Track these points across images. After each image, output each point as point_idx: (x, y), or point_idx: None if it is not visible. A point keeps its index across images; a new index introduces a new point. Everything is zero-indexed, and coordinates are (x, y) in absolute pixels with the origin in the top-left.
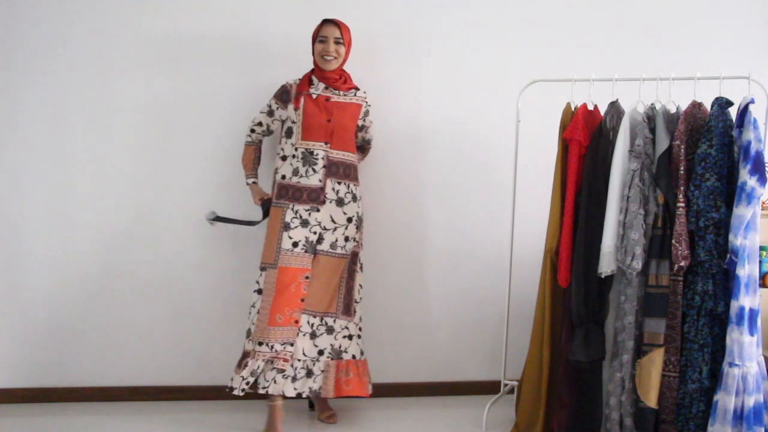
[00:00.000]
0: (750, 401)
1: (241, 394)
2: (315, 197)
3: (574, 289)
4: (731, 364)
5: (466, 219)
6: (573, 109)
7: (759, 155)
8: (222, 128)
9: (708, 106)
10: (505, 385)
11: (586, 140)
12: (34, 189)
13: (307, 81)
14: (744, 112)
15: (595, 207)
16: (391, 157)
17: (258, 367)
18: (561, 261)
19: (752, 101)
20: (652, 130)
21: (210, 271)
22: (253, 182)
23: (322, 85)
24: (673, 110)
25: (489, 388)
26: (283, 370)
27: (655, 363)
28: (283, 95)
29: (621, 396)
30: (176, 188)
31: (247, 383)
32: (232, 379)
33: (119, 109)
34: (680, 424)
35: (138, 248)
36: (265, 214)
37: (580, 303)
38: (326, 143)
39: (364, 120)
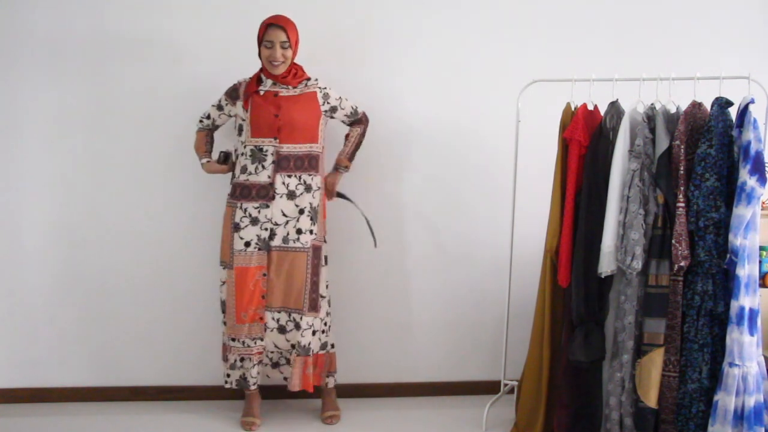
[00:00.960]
0: (750, 401)
1: (235, 387)
2: (264, 194)
3: (574, 289)
4: (731, 364)
5: (466, 219)
6: (573, 109)
7: (759, 155)
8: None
9: (708, 106)
10: (505, 385)
11: (586, 140)
12: (33, 189)
13: (255, 80)
14: (744, 112)
15: (595, 207)
16: (387, 158)
17: (235, 362)
18: (561, 261)
19: (752, 101)
20: (652, 130)
21: (210, 270)
22: (207, 161)
23: (270, 82)
24: (673, 110)
25: (489, 388)
26: (259, 362)
27: (655, 363)
28: (232, 93)
29: (621, 396)
30: (176, 187)
31: (236, 380)
32: (227, 375)
33: (118, 108)
34: (680, 424)
35: (138, 248)
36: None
37: (580, 303)
38: (275, 138)
39: (328, 101)
